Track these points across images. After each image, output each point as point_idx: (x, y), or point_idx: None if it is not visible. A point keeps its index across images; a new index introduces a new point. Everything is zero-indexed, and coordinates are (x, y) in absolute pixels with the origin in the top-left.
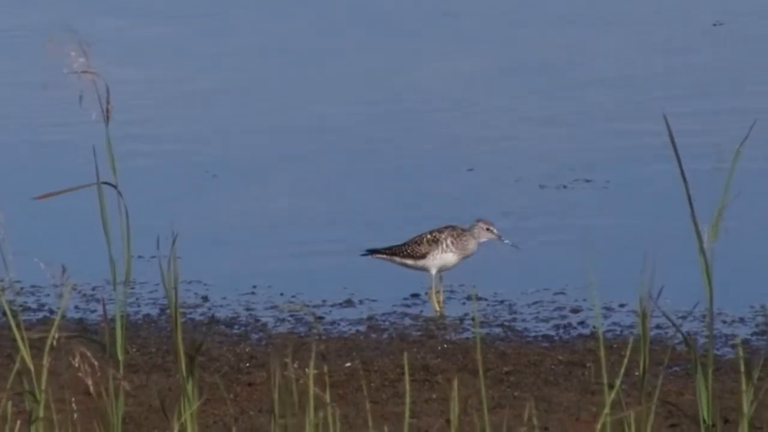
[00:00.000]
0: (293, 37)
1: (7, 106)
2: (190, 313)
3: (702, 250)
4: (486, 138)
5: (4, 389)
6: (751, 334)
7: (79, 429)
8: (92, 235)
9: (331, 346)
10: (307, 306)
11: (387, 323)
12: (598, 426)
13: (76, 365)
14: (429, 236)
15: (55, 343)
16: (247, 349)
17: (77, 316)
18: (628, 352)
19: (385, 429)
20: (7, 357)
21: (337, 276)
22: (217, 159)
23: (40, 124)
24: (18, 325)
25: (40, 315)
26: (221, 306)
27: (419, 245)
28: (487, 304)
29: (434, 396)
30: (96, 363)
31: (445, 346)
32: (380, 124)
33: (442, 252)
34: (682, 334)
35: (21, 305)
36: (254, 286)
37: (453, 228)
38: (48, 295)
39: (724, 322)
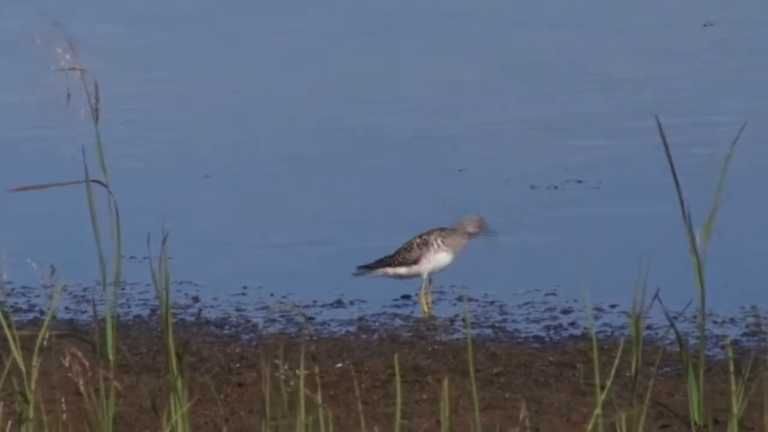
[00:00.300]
0: (288, 40)
1: None
2: (181, 313)
3: (694, 250)
4: (477, 139)
5: None
6: (742, 335)
7: (69, 429)
8: (84, 236)
9: (322, 347)
10: (298, 306)
11: (377, 324)
12: (589, 427)
13: (67, 365)
14: (419, 240)
15: (45, 343)
16: (237, 350)
17: (68, 316)
18: (619, 353)
19: (376, 430)
20: None
21: (327, 277)
22: (209, 159)
23: (29, 122)
24: (9, 326)
25: (31, 316)
26: (212, 306)
27: (410, 251)
28: (478, 305)
29: (425, 397)
30: (87, 363)
31: (436, 347)
32: (371, 125)
33: (434, 253)
34: (678, 334)
35: (12, 306)
36: (245, 287)
37: (442, 229)
38: (38, 296)
39: (715, 322)
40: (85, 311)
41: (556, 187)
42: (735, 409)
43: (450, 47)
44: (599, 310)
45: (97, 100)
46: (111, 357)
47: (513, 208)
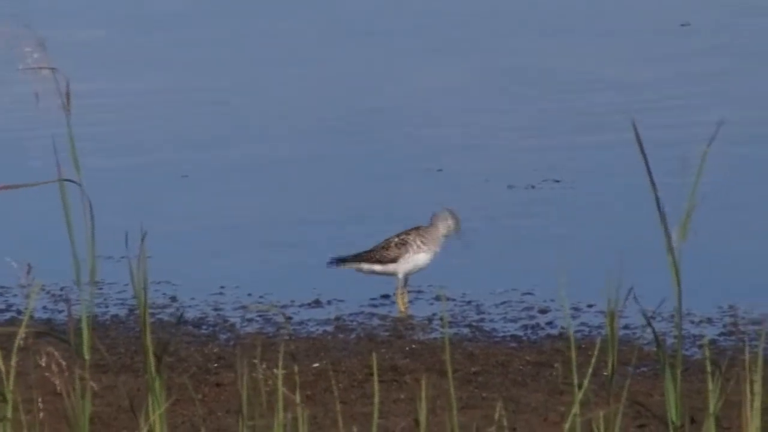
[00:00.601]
0: (274, 41)
1: None
2: (159, 313)
3: (670, 249)
4: (455, 138)
5: None
6: (719, 335)
7: (47, 429)
8: (62, 235)
9: (300, 347)
10: (276, 306)
11: (355, 323)
12: (567, 426)
13: (44, 365)
14: (397, 239)
15: (22, 343)
16: (215, 350)
17: (45, 316)
18: (596, 353)
19: (354, 429)
20: None
21: (305, 276)
22: (187, 159)
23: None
24: None
25: (8, 316)
26: (189, 306)
27: (387, 250)
28: (455, 305)
29: (402, 396)
30: (64, 363)
31: (414, 346)
32: (348, 125)
33: (413, 254)
34: (655, 334)
35: None
36: (222, 287)
37: (418, 228)
38: (16, 295)
39: (692, 322)
40: (63, 311)
41: (533, 187)
42: (711, 408)
43: (433, 50)
44: (577, 309)
45: (68, 98)
46: (87, 356)
47: (465, 233)
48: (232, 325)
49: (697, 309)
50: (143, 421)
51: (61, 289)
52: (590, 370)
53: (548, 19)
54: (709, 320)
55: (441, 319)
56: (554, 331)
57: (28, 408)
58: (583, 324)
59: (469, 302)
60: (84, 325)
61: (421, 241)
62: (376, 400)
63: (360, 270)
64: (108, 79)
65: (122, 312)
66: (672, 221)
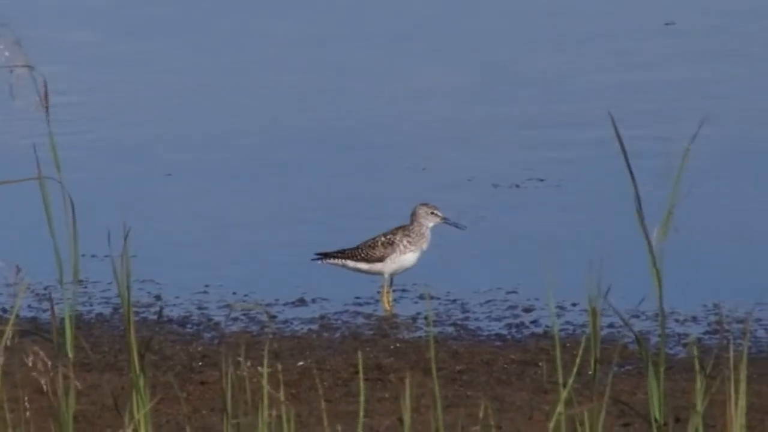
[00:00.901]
0: (260, 43)
1: None
2: (143, 312)
3: (650, 248)
4: (439, 137)
5: None
6: (704, 333)
7: (32, 428)
8: (46, 233)
9: (284, 345)
10: (260, 305)
11: (339, 322)
12: (551, 425)
13: (30, 364)
14: (383, 239)
15: (8, 342)
16: (199, 348)
17: (30, 315)
18: (580, 351)
19: (339, 428)
20: None
21: (289, 275)
22: (171, 158)
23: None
24: None
25: None
26: (174, 305)
27: (374, 249)
28: (440, 303)
29: (387, 395)
30: (49, 362)
31: (398, 345)
32: (333, 124)
33: (400, 254)
34: (634, 333)
35: None
36: (206, 285)
37: (404, 228)
38: (0, 294)
39: (677, 320)
40: (47, 309)
41: (518, 186)
42: (699, 407)
43: (419, 52)
44: (561, 308)
45: (46, 96)
46: (70, 355)
47: (448, 218)
48: (217, 323)
49: (682, 307)
50: (128, 420)
51: (45, 288)
52: (575, 369)
53: (535, 20)
54: (694, 319)
55: (426, 317)
56: (539, 330)
57: (12, 407)
58: (567, 323)
59: (453, 301)
60: (67, 323)
61: (408, 241)
62: (362, 398)
63: (345, 267)
64: (91, 80)
65: (106, 310)
66: (656, 220)
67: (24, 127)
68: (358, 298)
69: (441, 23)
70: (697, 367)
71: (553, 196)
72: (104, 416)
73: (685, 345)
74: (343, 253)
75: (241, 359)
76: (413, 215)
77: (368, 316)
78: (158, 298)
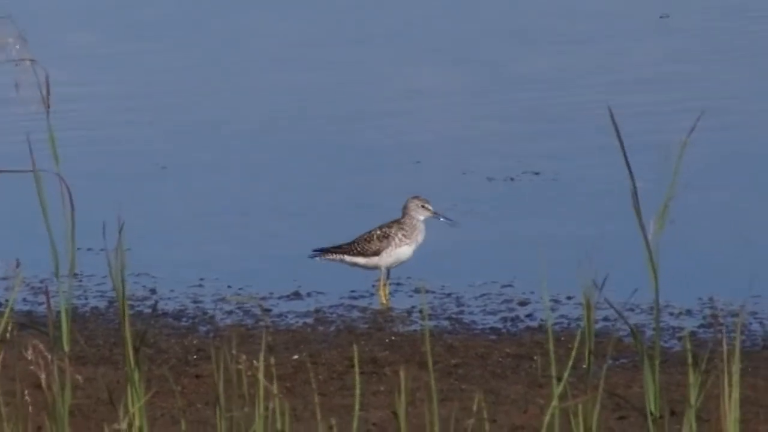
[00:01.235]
0: (260, 43)
1: None
2: (138, 305)
3: (646, 241)
4: (433, 130)
5: None
6: (699, 326)
7: (28, 421)
8: (41, 227)
9: (279, 339)
10: (255, 298)
11: (334, 315)
12: (546, 418)
13: (29, 358)
14: (379, 232)
15: (7, 335)
16: (194, 342)
17: (26, 308)
18: (576, 345)
19: (333, 421)
20: None
21: (284, 268)
22: (166, 151)
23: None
24: None
25: None
26: (169, 298)
27: (369, 242)
28: (435, 297)
29: (382, 388)
30: (48, 355)
31: (393, 338)
32: (328, 118)
33: (396, 247)
34: (629, 326)
35: None
36: (202, 279)
37: (398, 221)
38: None
39: (672, 314)
40: (43, 303)
41: (512, 179)
42: (693, 401)
43: (414, 46)
44: (556, 301)
45: (48, 90)
46: (66, 348)
47: (440, 212)
48: (212, 317)
49: (677, 301)
50: (123, 413)
51: (42, 282)
52: (570, 363)
53: (530, 16)
54: (689, 312)
55: (421, 311)
56: (534, 324)
57: (8, 400)
58: (562, 316)
59: (448, 294)
60: (63, 317)
61: (403, 234)
62: (357, 392)
63: (342, 262)
64: (88, 73)
65: (102, 304)
66: (652, 212)
67: (23, 121)
68: (353, 291)
69: (437, 22)
70: (692, 360)
71: (548, 190)
72: (99, 410)
73: (680, 338)
74: (339, 249)
75: (235, 353)
76: (405, 209)
77: (363, 310)
78: (153, 291)
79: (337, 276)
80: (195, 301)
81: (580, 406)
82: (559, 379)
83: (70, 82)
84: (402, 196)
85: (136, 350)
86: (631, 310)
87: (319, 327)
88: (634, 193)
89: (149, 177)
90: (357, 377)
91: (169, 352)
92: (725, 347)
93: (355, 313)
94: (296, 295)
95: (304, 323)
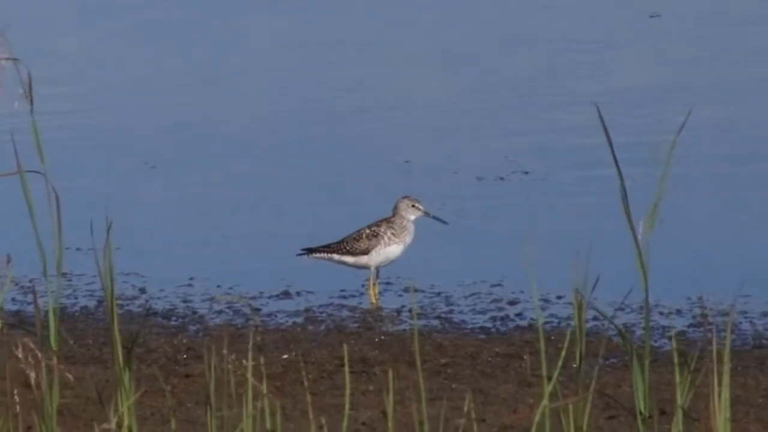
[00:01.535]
0: (242, 45)
1: None
2: (128, 304)
3: (635, 241)
4: (423, 129)
5: None
6: (688, 326)
7: (19, 420)
8: (30, 226)
9: (269, 338)
10: (245, 297)
11: (324, 315)
12: (536, 418)
13: (19, 356)
14: (368, 231)
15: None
16: (184, 341)
17: (14, 308)
18: (566, 344)
19: (323, 421)
20: None
21: (274, 268)
22: (156, 150)
23: None
24: None
25: None
26: (159, 298)
27: (358, 241)
28: (425, 296)
29: (371, 388)
30: (39, 354)
31: (383, 337)
32: (317, 116)
33: (385, 246)
34: (617, 326)
35: None
36: (191, 278)
37: (387, 220)
38: None
39: (662, 313)
40: (32, 302)
41: (502, 179)
42: (683, 400)
43: (403, 47)
44: (546, 301)
45: (30, 88)
46: (54, 348)
47: (431, 211)
48: (201, 316)
49: (667, 300)
50: (112, 413)
51: (30, 281)
52: (560, 362)
53: (518, 15)
54: (678, 311)
55: (410, 310)
56: (523, 323)
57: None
58: (552, 315)
59: (438, 294)
60: (51, 316)
61: (392, 233)
62: (347, 391)
63: (330, 260)
64: (77, 73)
65: (91, 303)
66: (642, 211)
67: (6, 121)
68: (342, 290)
69: (428, 23)
70: (681, 360)
71: (537, 189)
72: (89, 409)
73: (669, 337)
74: (328, 248)
75: (225, 352)
76: (395, 208)
77: (353, 309)
78: (143, 290)
79: (326, 275)
80: (185, 301)
81: (570, 406)
82: (549, 379)
83: (56, 80)
84: (392, 196)
85: (126, 350)
86: (621, 309)
87: (308, 326)
88: (624, 193)
89: (139, 176)
90: (347, 376)
91: (158, 352)
92: (715, 346)
93: (345, 313)
94: (286, 295)
95: (294, 322)
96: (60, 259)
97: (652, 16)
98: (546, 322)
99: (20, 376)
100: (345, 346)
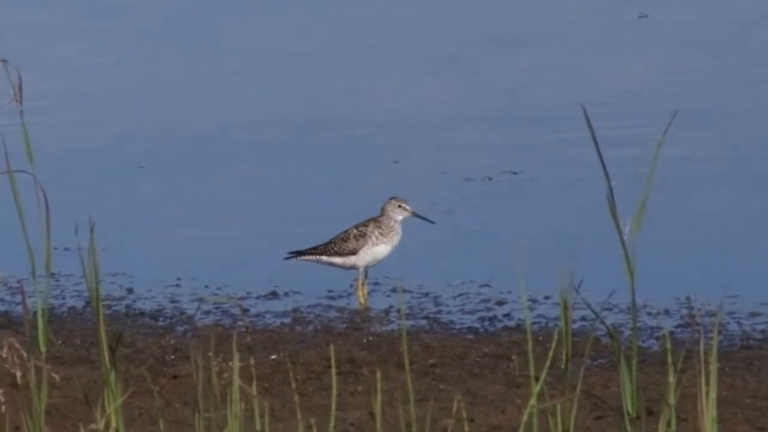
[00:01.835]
0: (230, 50)
1: None
2: (115, 305)
3: (622, 241)
4: (411, 130)
5: None
6: (676, 326)
7: (6, 420)
8: (17, 226)
9: (257, 339)
10: (233, 298)
11: (312, 315)
12: (524, 418)
13: (5, 356)
14: (355, 231)
15: None
16: (172, 342)
17: (2, 308)
18: (553, 345)
19: (311, 421)
20: None
21: (262, 268)
22: (144, 151)
23: None
24: None
25: None
26: (146, 298)
27: (346, 242)
28: (413, 296)
29: (359, 388)
30: (24, 354)
31: (371, 338)
32: (305, 117)
33: (373, 246)
34: (606, 326)
35: None
36: (179, 279)
37: (375, 220)
38: None
39: (650, 313)
40: (20, 302)
41: (491, 179)
42: (671, 400)
43: (391, 48)
44: (534, 301)
45: (20, 89)
46: (42, 349)
47: (418, 212)
48: (189, 317)
49: (654, 300)
50: (99, 413)
51: (18, 281)
52: (548, 362)
53: (506, 15)
54: (666, 312)
55: (398, 311)
56: (511, 323)
57: None
58: (540, 316)
59: (426, 294)
60: (40, 317)
61: (380, 233)
62: (334, 392)
63: (319, 262)
64: (63, 77)
65: (79, 304)
66: (628, 212)
67: None
68: (330, 291)
69: (416, 25)
70: (669, 360)
71: (525, 190)
72: (76, 409)
73: (657, 338)
74: (315, 250)
75: (212, 353)
76: (383, 210)
77: (341, 310)
78: (131, 291)
79: (314, 276)
80: (172, 301)
81: (558, 406)
82: (537, 379)
83: (44, 81)
84: (380, 196)
85: (113, 351)
86: (609, 309)
87: (296, 327)
88: (610, 194)
89: (127, 176)
90: (334, 377)
91: (146, 352)
92: (702, 347)
93: (333, 313)
94: (274, 295)
95: (282, 323)
96: (48, 260)
97: (640, 17)
98: (534, 323)
99: (8, 376)
100: (332, 347)
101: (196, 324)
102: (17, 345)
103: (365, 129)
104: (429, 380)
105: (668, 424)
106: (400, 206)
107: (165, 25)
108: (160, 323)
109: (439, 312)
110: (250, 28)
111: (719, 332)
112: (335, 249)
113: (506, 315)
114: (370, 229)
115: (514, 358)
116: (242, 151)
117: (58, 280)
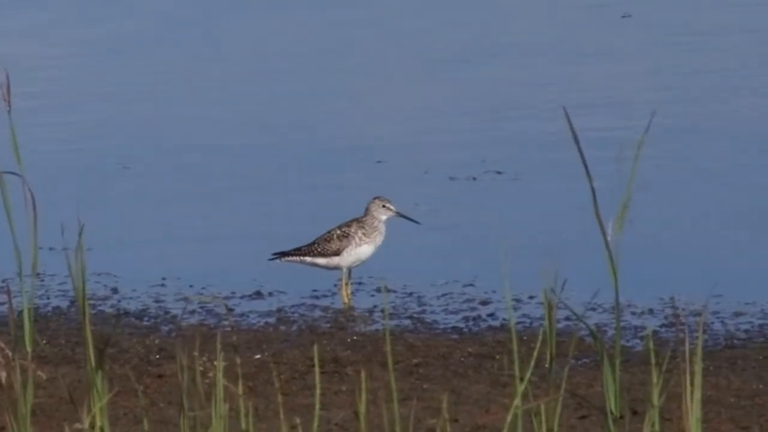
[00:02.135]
0: (216, 53)
1: None
2: (100, 305)
3: (605, 241)
4: (395, 129)
5: None
6: (660, 326)
7: None
8: (3, 226)
9: (241, 338)
10: (217, 297)
11: (296, 315)
12: (508, 418)
13: None
14: (338, 232)
15: None
16: (157, 341)
17: None
18: (538, 344)
19: (296, 421)
20: None
21: (246, 268)
22: (128, 151)
23: None
24: None
25: None
26: (131, 298)
27: (329, 242)
28: (397, 296)
29: (344, 388)
30: (10, 354)
31: (355, 338)
32: (288, 115)
33: (356, 246)
34: (588, 326)
35: None
36: (164, 278)
37: (358, 220)
38: None
39: (634, 313)
40: (4, 303)
41: (475, 179)
42: (655, 400)
43: (375, 49)
44: (518, 301)
45: (8, 90)
46: (28, 348)
47: (402, 212)
48: (174, 316)
49: (638, 300)
50: (85, 413)
51: (3, 281)
52: (532, 362)
53: (490, 13)
54: (650, 311)
55: (382, 310)
56: (496, 323)
57: None
58: (524, 315)
59: (410, 294)
60: (26, 316)
61: (363, 233)
62: (318, 391)
63: (303, 263)
64: (50, 76)
65: (63, 303)
66: (612, 212)
67: None
68: (315, 291)
69: (401, 26)
70: (653, 360)
71: (510, 189)
72: (62, 409)
73: (641, 338)
74: (299, 251)
75: (196, 353)
76: (366, 210)
77: (325, 309)
78: (115, 291)
79: (299, 275)
80: (157, 301)
81: (542, 406)
82: (522, 379)
83: (31, 81)
84: (364, 196)
85: (98, 350)
86: (593, 309)
87: (281, 326)
88: (593, 194)
89: (112, 177)
90: (317, 377)
91: (131, 352)
92: (687, 347)
93: (317, 313)
94: (258, 295)
95: (266, 323)
96: (35, 260)
97: (623, 17)
98: (518, 323)
99: None
100: (316, 347)
101: (181, 323)
102: (2, 345)
103: (349, 128)
104: (413, 380)
105: (653, 424)
106: (384, 206)
107: (151, 28)
108: (145, 323)
109: (424, 312)
110: (234, 30)
111: (703, 332)
112: (319, 250)
113: (490, 315)
114: (353, 230)
115: (498, 357)
116: (226, 152)
117: (42, 280)
